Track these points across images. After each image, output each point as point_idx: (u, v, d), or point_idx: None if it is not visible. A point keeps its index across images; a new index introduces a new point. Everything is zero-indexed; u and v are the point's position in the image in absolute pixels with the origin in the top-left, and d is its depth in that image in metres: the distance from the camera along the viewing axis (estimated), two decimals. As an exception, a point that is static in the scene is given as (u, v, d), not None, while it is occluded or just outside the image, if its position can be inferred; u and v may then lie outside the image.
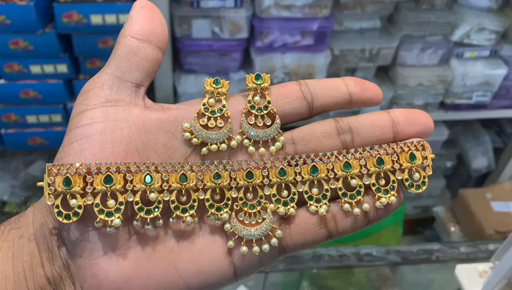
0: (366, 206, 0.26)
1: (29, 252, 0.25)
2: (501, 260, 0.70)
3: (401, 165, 0.27)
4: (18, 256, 0.25)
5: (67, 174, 0.24)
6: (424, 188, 0.27)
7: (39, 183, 0.25)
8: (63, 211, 0.24)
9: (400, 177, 0.27)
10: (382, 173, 0.27)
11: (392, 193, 0.27)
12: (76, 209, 0.24)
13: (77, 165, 0.24)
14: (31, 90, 1.20)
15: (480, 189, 1.57)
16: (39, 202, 0.26)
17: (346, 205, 0.26)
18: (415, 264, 0.83)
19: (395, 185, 0.27)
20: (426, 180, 0.27)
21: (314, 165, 0.27)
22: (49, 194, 0.24)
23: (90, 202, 0.24)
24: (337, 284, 0.91)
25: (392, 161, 0.27)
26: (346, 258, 0.81)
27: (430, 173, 0.27)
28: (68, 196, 0.24)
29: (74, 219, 0.24)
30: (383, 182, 0.27)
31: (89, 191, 0.24)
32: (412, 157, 0.27)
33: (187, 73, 1.27)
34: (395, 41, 1.28)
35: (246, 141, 0.27)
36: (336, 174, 0.27)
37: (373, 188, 0.27)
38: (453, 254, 0.83)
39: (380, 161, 0.27)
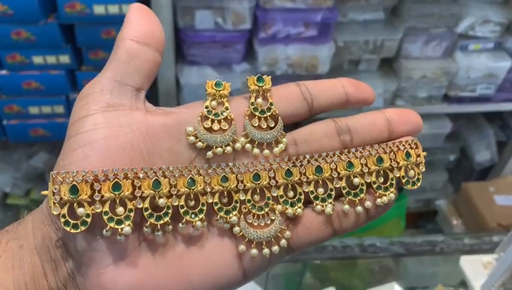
0: (368, 204, 0.27)
1: (31, 263, 0.24)
2: (505, 252, 0.70)
3: (398, 163, 0.28)
4: (19, 267, 0.24)
5: (74, 182, 0.23)
6: (418, 184, 0.29)
7: (43, 192, 0.24)
8: (70, 220, 0.23)
9: (397, 175, 0.28)
10: (382, 171, 0.28)
11: (391, 190, 0.28)
12: (84, 218, 0.23)
13: (84, 172, 0.23)
14: (33, 81, 1.19)
15: (483, 182, 1.57)
16: (37, 210, 0.26)
17: (347, 206, 0.27)
18: (418, 255, 0.83)
19: (394, 182, 0.28)
20: (420, 176, 0.29)
21: (318, 165, 0.27)
22: (54, 203, 0.23)
23: (98, 210, 0.23)
24: (340, 275, 0.91)
25: (390, 159, 0.28)
26: (350, 249, 0.80)
27: (424, 170, 0.29)
28: (75, 204, 0.23)
29: (82, 228, 0.23)
30: (382, 179, 0.28)
31: (97, 199, 0.23)
32: (408, 155, 0.28)
33: (190, 64, 1.26)
34: (399, 33, 1.27)
35: (248, 145, 0.27)
36: (339, 173, 0.27)
37: (374, 186, 0.28)
38: (457, 245, 0.82)
39: (380, 160, 0.28)
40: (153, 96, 1.28)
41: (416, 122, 0.29)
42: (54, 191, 0.23)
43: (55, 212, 0.23)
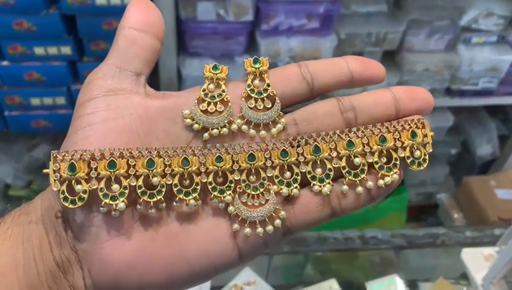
0: (370, 184, 0.26)
1: (38, 237, 0.25)
2: (507, 245, 0.70)
3: (402, 142, 0.27)
4: (28, 240, 0.25)
5: (72, 160, 0.25)
6: (425, 165, 0.27)
7: (45, 171, 0.25)
8: (68, 196, 0.24)
9: (402, 155, 0.27)
10: (384, 151, 0.27)
11: (395, 170, 0.27)
12: (82, 194, 0.25)
13: (81, 151, 0.25)
14: (35, 72, 1.19)
15: (484, 176, 1.57)
16: (46, 190, 0.27)
17: (345, 187, 0.26)
18: (420, 248, 0.83)
19: (397, 162, 0.27)
20: (427, 157, 0.27)
21: (316, 145, 0.27)
22: (54, 180, 0.25)
23: (94, 187, 0.25)
24: (342, 267, 0.91)
25: (394, 138, 0.27)
26: (351, 241, 0.81)
27: (431, 150, 0.28)
28: (73, 181, 0.25)
29: (79, 203, 0.24)
30: (384, 159, 0.27)
31: (94, 176, 0.25)
32: (413, 134, 0.27)
33: (191, 56, 1.26)
34: (401, 25, 1.27)
35: (244, 126, 0.27)
36: (339, 153, 0.27)
37: (376, 166, 0.27)
38: (458, 238, 0.82)
39: (383, 139, 0.27)
40: (155, 87, 1.27)
41: (426, 100, 0.27)
42: (55, 169, 0.25)
43: (55, 189, 0.25)
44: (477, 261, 0.75)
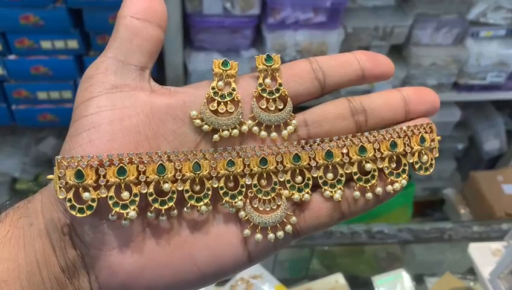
0: (379, 190, 0.26)
1: (41, 241, 0.24)
2: (515, 239, 0.70)
3: (412, 148, 0.27)
4: (30, 245, 0.24)
5: (79, 167, 0.23)
6: (431, 170, 0.27)
7: (49, 177, 0.24)
8: (76, 204, 0.23)
9: (411, 161, 0.27)
10: (394, 156, 0.27)
11: (404, 176, 0.27)
12: (90, 203, 0.23)
13: (89, 157, 0.23)
14: (42, 66, 1.19)
15: (491, 171, 1.56)
16: (46, 188, 0.26)
17: (357, 193, 0.26)
18: (427, 242, 0.82)
19: (406, 168, 0.27)
20: (433, 162, 0.28)
21: (329, 150, 0.26)
22: (60, 187, 0.23)
23: (104, 195, 0.23)
24: (348, 262, 0.91)
25: (404, 144, 0.27)
26: (358, 235, 0.80)
27: (437, 155, 0.28)
28: (81, 189, 0.23)
29: (88, 212, 0.23)
30: (394, 165, 0.27)
31: (102, 183, 0.23)
32: (422, 140, 0.27)
33: (197, 50, 1.25)
34: (409, 19, 1.26)
35: (255, 128, 0.26)
36: (351, 158, 0.26)
37: (386, 172, 0.27)
38: (465, 233, 0.82)
39: (394, 145, 0.27)
40: (161, 82, 1.27)
41: (433, 102, 0.28)
42: (60, 175, 0.23)
43: (61, 197, 0.23)
44: (485, 256, 0.75)
